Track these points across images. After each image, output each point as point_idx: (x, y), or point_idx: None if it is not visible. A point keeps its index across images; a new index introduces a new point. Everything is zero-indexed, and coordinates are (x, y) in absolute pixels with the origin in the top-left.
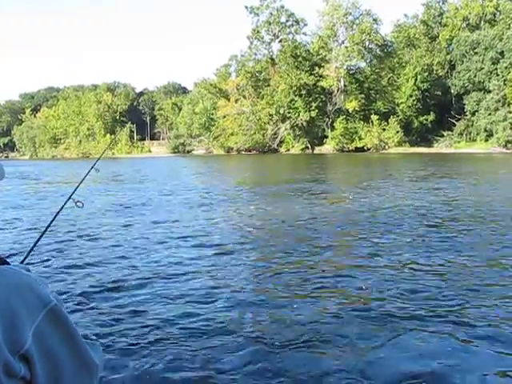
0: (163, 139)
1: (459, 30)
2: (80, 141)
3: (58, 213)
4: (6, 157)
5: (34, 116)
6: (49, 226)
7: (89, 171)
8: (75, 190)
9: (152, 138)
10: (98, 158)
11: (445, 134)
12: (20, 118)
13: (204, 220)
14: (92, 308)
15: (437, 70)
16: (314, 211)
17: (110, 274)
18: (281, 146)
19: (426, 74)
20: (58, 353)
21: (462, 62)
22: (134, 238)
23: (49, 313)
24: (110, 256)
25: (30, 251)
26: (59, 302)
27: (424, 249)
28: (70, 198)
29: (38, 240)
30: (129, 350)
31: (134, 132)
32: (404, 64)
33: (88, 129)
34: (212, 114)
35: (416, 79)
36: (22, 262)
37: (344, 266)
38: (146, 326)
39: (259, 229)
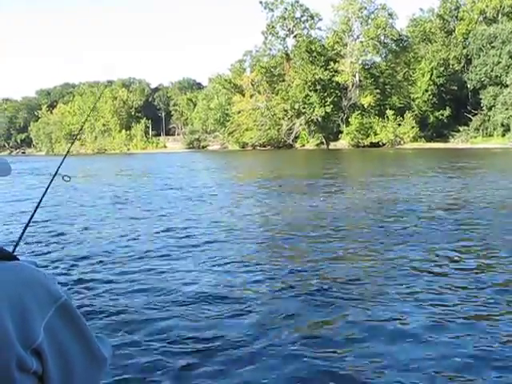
0: (178, 135)
1: (476, 23)
2: (95, 137)
3: (45, 192)
4: (23, 152)
5: (51, 112)
6: (35, 211)
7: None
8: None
9: (167, 134)
10: (62, 161)
11: (461, 129)
12: (36, 114)
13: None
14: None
15: (453, 65)
16: (331, 207)
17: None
18: (296, 142)
19: (442, 68)
20: (69, 347)
21: (479, 56)
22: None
23: (59, 308)
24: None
25: (18, 241)
26: (69, 298)
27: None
28: (56, 173)
29: (26, 228)
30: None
31: (149, 128)
32: (420, 59)
33: (103, 124)
34: (227, 110)
35: (432, 74)
36: (13, 252)
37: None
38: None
39: (280, 224)
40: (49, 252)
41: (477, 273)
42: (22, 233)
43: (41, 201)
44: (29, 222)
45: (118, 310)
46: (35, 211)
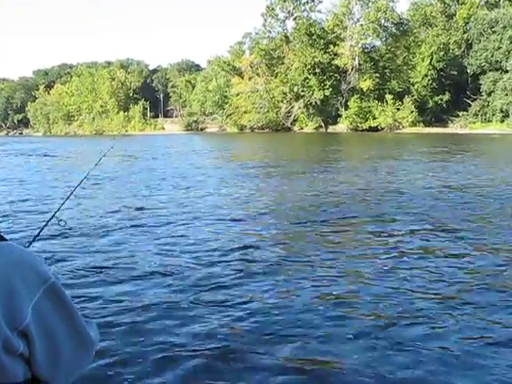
0: (176, 117)
1: (477, 7)
2: (93, 118)
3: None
4: (21, 133)
5: (48, 93)
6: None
7: None
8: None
9: (165, 116)
10: None
11: (460, 114)
12: (34, 94)
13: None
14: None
15: (453, 49)
16: (328, 189)
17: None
18: (294, 125)
19: (442, 53)
20: (57, 329)
21: (480, 41)
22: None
23: (48, 289)
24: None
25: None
26: (57, 279)
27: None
28: (53, 216)
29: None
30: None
31: (147, 109)
32: (420, 43)
33: (101, 106)
34: (225, 92)
35: (432, 58)
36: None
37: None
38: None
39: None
40: None
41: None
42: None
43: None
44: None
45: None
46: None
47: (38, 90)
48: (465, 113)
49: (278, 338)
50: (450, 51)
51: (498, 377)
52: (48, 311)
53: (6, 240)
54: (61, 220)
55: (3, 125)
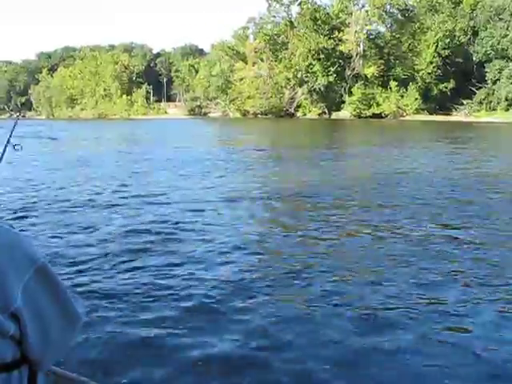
0: (179, 101)
1: None
2: (96, 101)
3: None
4: (23, 116)
5: (51, 76)
6: None
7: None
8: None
9: (168, 100)
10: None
11: (464, 102)
12: (37, 77)
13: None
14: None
15: (459, 37)
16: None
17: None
18: (297, 111)
19: (448, 40)
20: (47, 310)
21: (486, 28)
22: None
23: (37, 271)
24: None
25: None
26: (46, 260)
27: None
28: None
29: None
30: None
31: (150, 93)
32: (425, 30)
33: (104, 89)
34: (229, 77)
35: (437, 45)
36: None
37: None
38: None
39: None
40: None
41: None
42: None
43: None
44: None
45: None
46: None
47: (41, 73)
48: (469, 101)
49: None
50: (456, 38)
51: None
52: (38, 292)
53: None
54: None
55: (6, 107)
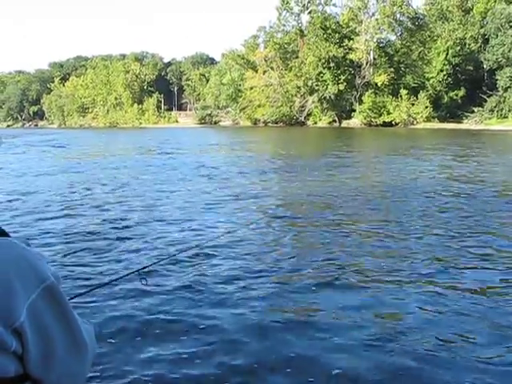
0: (190, 110)
1: (495, 2)
2: (107, 110)
3: None
4: (36, 125)
5: (63, 85)
6: None
7: None
8: None
9: (179, 109)
10: None
11: (475, 110)
12: (49, 86)
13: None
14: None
15: (469, 44)
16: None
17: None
18: (308, 119)
19: (458, 48)
20: (52, 330)
21: (497, 35)
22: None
23: (45, 290)
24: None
25: None
26: (57, 280)
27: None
28: None
29: None
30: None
31: (161, 102)
32: (435, 38)
33: (115, 98)
34: (239, 86)
35: (447, 53)
36: None
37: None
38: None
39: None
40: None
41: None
42: None
43: None
44: None
45: None
46: None
47: (53, 82)
48: (480, 109)
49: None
50: (467, 46)
51: None
52: (44, 312)
53: (8, 236)
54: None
55: (19, 117)
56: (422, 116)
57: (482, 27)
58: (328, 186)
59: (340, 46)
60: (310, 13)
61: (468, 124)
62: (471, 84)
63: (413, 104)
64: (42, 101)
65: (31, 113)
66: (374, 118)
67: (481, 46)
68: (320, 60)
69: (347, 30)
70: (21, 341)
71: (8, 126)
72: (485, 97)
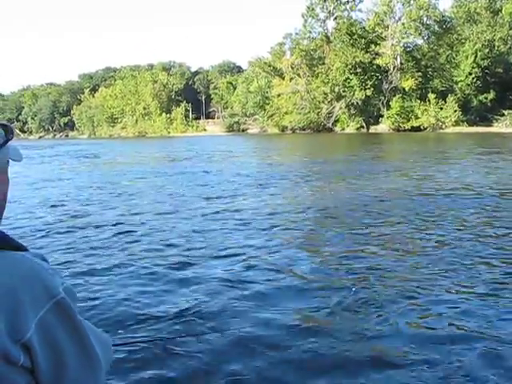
0: (218, 118)
1: None
2: (136, 120)
3: None
4: (67, 136)
5: (93, 96)
6: None
7: None
8: None
9: (207, 117)
10: None
11: (505, 113)
12: (79, 98)
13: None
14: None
15: (498, 46)
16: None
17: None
18: (335, 125)
19: (487, 50)
20: (63, 345)
21: None
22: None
23: (55, 305)
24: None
25: None
26: (70, 295)
27: None
28: None
29: None
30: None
31: (189, 111)
32: (463, 40)
33: (144, 108)
34: (266, 93)
35: (476, 56)
36: None
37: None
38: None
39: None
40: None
41: None
42: None
43: None
44: None
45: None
46: None
47: (83, 93)
48: (511, 111)
49: None
50: (496, 48)
51: None
52: (54, 327)
53: (25, 250)
54: None
55: (50, 128)
56: (450, 120)
57: (511, 29)
58: (384, 190)
59: (366, 52)
60: (335, 19)
61: (498, 127)
62: (501, 86)
63: (441, 108)
64: (72, 112)
65: (62, 124)
66: (402, 123)
67: (510, 48)
68: (347, 66)
69: (373, 35)
70: (30, 355)
71: (40, 137)
72: None
